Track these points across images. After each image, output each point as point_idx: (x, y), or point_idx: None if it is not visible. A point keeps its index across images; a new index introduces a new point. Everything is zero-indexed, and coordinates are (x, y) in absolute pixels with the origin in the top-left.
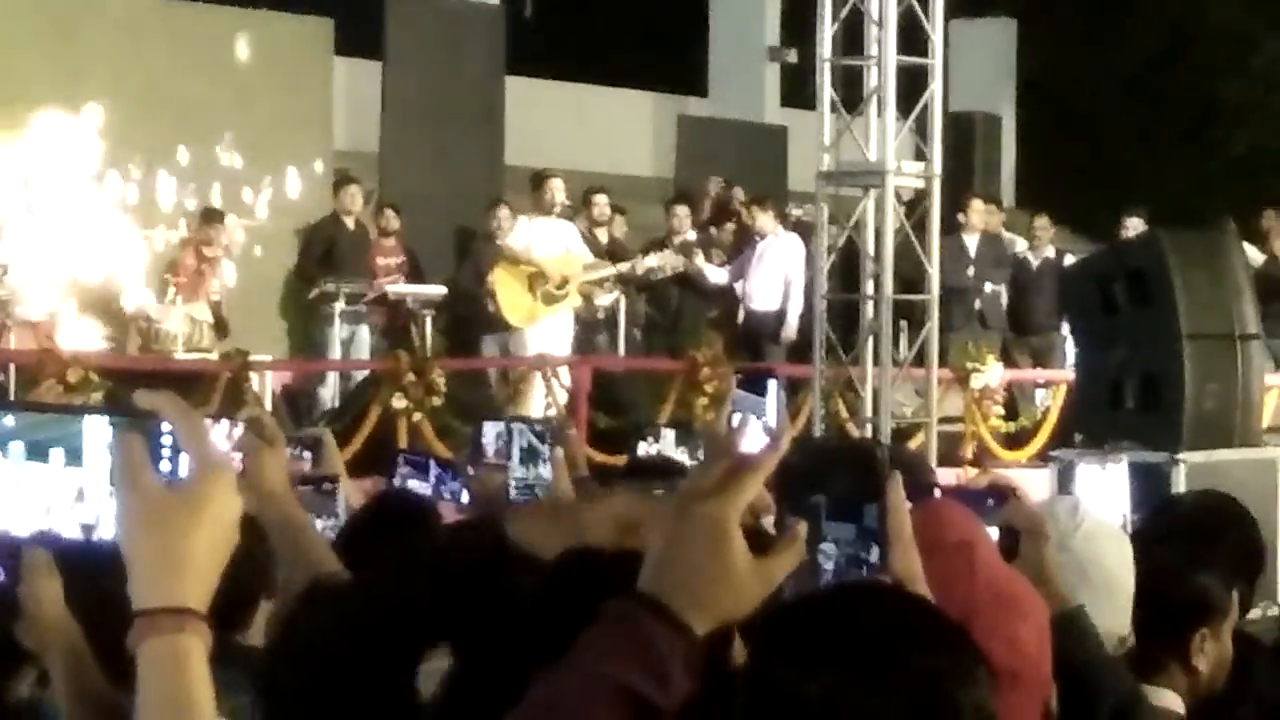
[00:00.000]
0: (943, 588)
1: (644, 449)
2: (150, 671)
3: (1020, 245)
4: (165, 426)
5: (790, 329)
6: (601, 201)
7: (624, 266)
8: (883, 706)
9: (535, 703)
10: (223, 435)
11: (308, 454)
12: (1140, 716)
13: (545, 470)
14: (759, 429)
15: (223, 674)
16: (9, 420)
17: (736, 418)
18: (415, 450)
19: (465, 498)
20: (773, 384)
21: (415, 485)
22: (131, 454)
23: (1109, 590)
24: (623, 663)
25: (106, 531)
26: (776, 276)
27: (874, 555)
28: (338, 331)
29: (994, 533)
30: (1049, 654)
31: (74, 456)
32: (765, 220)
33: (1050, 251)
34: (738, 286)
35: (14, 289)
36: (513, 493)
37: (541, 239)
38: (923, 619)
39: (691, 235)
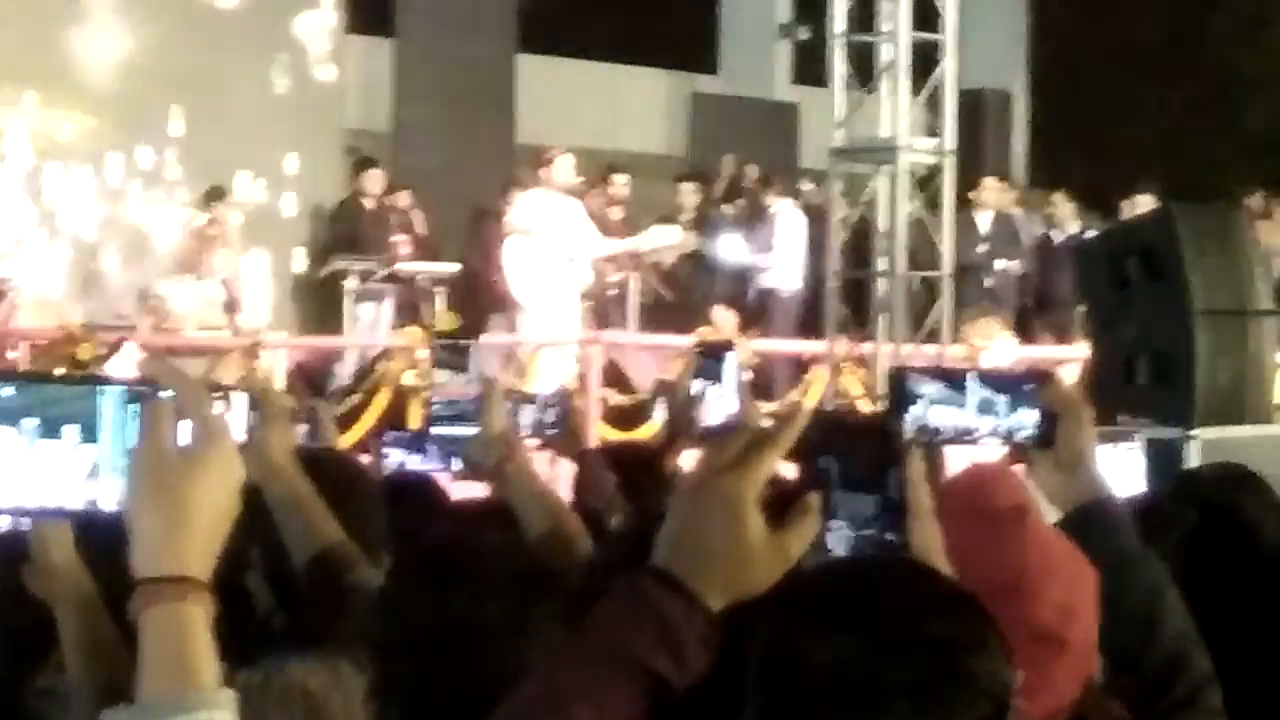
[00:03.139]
0: (992, 552)
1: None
2: (152, 640)
3: (1033, 223)
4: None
5: (796, 305)
6: (620, 181)
7: (630, 242)
8: (894, 674)
9: (547, 677)
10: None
11: (303, 426)
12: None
13: None
14: (717, 397)
15: (232, 646)
16: (19, 393)
17: (697, 385)
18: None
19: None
20: (730, 355)
21: (409, 461)
22: (153, 419)
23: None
24: (637, 638)
25: (111, 506)
26: (785, 253)
27: (899, 537)
28: (351, 309)
29: (1035, 415)
30: (1095, 623)
31: (89, 433)
32: (774, 199)
33: (1074, 228)
34: (755, 260)
35: (25, 266)
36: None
37: (546, 214)
38: (935, 588)
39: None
